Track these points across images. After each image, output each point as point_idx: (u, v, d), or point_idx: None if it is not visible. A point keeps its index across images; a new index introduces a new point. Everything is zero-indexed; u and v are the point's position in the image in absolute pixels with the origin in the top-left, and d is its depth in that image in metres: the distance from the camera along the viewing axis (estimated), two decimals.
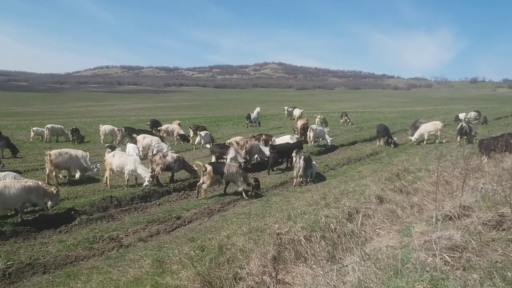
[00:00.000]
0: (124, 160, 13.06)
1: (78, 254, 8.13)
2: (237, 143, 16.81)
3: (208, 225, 9.94)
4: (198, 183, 12.71)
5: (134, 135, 19.92)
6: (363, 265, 4.52)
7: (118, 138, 22.36)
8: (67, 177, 13.95)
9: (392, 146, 21.34)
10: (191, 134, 23.15)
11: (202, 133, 21.68)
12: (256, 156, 17.15)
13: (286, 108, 42.94)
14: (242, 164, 15.71)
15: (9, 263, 7.57)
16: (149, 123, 27.81)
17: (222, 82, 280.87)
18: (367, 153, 20.24)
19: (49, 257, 7.94)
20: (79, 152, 14.13)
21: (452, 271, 3.95)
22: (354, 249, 5.62)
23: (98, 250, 8.43)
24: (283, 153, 16.51)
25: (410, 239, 5.16)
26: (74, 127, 24.45)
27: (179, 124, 25.49)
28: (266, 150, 17.10)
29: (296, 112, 38.46)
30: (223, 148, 16.12)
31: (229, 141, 17.76)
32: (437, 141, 21.63)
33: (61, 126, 24.49)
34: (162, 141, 19.32)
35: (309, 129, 21.90)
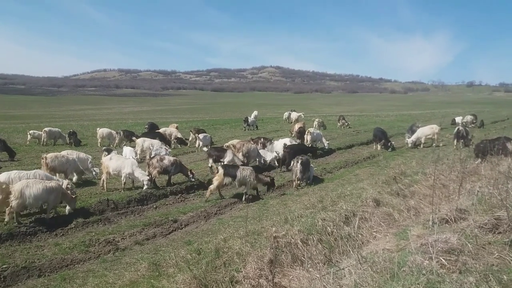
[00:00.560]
0: (121, 163, 13.03)
1: (74, 257, 8.09)
2: (234, 146, 16.81)
3: (205, 228, 9.92)
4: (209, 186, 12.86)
5: (134, 138, 19.92)
6: (359, 268, 4.51)
7: (116, 141, 22.33)
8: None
9: (390, 149, 21.38)
10: (192, 137, 23.05)
11: (201, 135, 21.65)
12: (257, 159, 17.18)
13: (288, 113, 42.57)
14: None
15: (4, 266, 7.52)
16: (146, 126, 27.77)
17: (219, 86, 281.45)
18: (364, 156, 20.27)
19: (44, 260, 7.89)
20: (81, 155, 14.14)
21: (449, 274, 3.94)
22: (351, 252, 5.61)
23: (94, 253, 8.39)
24: (296, 154, 16.62)
25: (406, 242, 5.15)
26: (71, 130, 24.43)
27: (176, 127, 25.48)
28: (265, 154, 17.12)
29: (294, 115, 38.53)
30: (220, 151, 16.10)
31: (227, 144, 17.76)
32: (434, 144, 21.69)
33: (59, 129, 24.42)
34: (170, 145, 19.25)
35: (306, 133, 21.92)
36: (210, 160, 15.88)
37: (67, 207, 10.41)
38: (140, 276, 6.69)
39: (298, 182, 13.88)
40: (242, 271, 5.52)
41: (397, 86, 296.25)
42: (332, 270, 4.72)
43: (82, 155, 14.27)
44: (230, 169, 12.59)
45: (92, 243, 8.86)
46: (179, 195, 13.19)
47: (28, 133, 23.77)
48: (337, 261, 5.68)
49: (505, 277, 3.76)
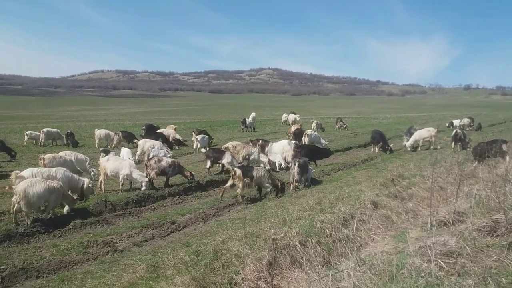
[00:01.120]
0: (119, 164, 13.01)
1: (72, 259, 8.06)
2: (235, 148, 16.83)
3: (203, 230, 9.90)
4: (224, 186, 13.02)
5: (135, 140, 19.91)
6: (358, 270, 4.51)
7: (114, 142, 22.29)
8: None
9: (388, 152, 21.43)
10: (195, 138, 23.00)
11: (199, 137, 21.61)
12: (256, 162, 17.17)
13: (286, 114, 42.40)
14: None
15: (2, 267, 7.49)
16: (144, 127, 27.72)
17: (217, 87, 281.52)
18: (362, 158, 20.30)
19: (42, 261, 7.86)
20: (79, 156, 14.11)
21: (447, 277, 3.96)
22: (349, 254, 5.61)
23: (92, 254, 8.36)
24: (306, 154, 16.69)
25: (405, 244, 5.17)
26: (69, 131, 24.37)
27: (175, 129, 25.46)
28: (264, 158, 17.08)
29: (291, 117, 38.60)
30: (218, 153, 16.11)
31: (225, 145, 17.76)
32: (431, 147, 21.76)
33: (57, 130, 24.37)
34: (171, 146, 19.17)
35: (304, 135, 21.95)
36: (208, 162, 15.87)
37: (66, 207, 10.36)
38: (138, 277, 6.67)
39: (296, 184, 13.89)
40: (240, 273, 5.52)
41: (394, 89, 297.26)
42: (331, 272, 4.72)
43: (81, 156, 14.27)
44: (247, 170, 12.81)
45: (90, 244, 8.84)
46: (177, 196, 13.17)
47: (25, 133, 23.68)
48: (335, 263, 5.68)
49: (503, 280, 3.78)
